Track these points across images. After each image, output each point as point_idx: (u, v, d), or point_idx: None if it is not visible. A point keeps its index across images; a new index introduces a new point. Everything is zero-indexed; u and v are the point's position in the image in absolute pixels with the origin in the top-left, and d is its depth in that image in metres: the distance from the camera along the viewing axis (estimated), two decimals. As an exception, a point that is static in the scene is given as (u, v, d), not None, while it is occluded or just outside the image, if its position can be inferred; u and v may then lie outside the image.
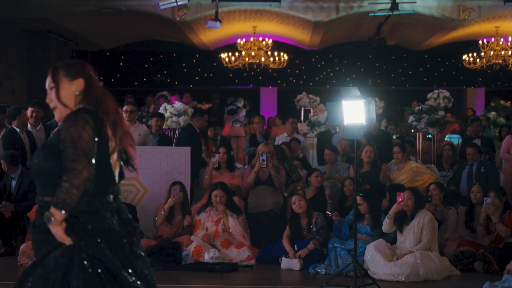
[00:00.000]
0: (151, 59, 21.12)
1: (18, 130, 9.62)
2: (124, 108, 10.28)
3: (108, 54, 21.02)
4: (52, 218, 3.27)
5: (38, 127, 9.95)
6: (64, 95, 3.54)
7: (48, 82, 3.55)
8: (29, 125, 9.99)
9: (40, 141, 9.66)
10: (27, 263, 8.06)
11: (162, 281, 7.64)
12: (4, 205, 8.77)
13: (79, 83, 3.56)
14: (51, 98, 3.54)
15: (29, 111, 9.99)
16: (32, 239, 3.53)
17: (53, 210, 3.28)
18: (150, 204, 9.12)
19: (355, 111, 7.21)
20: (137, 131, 9.89)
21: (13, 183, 8.99)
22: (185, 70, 21.14)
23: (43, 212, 3.33)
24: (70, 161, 3.30)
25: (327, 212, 8.56)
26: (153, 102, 16.16)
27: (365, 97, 7.33)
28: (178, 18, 15.57)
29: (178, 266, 8.13)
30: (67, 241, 3.29)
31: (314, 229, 8.39)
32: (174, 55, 21.14)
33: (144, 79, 21.05)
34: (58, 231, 3.29)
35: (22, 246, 8.26)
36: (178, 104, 11.31)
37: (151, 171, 9.21)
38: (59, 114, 3.53)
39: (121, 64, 21.17)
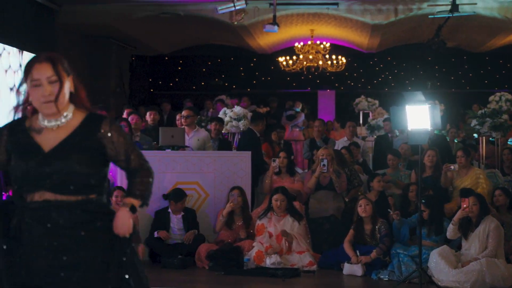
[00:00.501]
0: (209, 63, 21.25)
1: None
2: (182, 113, 10.38)
3: (166, 58, 21.21)
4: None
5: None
6: (66, 92, 3.35)
7: (49, 74, 3.25)
8: None
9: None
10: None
11: (224, 286, 7.67)
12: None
13: (70, 81, 3.39)
14: (51, 92, 3.25)
15: None
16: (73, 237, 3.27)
17: (136, 201, 3.40)
18: (211, 208, 9.15)
19: (419, 116, 7.10)
20: (196, 136, 9.95)
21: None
22: (242, 74, 21.22)
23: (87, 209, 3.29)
24: (144, 160, 3.47)
25: (388, 210, 8.47)
26: (212, 106, 16.24)
27: (427, 101, 7.22)
28: (236, 22, 15.58)
29: (240, 271, 8.14)
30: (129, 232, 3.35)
31: (378, 235, 8.30)
32: (232, 59, 21.23)
33: (202, 83, 21.19)
34: (131, 222, 3.34)
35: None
36: (237, 109, 11.35)
37: (212, 175, 9.23)
38: (48, 111, 3.28)
39: (179, 68, 21.36)
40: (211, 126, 10.90)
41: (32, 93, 3.25)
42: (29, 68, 3.27)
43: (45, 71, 3.25)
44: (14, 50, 12.87)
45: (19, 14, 12.80)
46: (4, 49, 12.42)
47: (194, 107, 12.66)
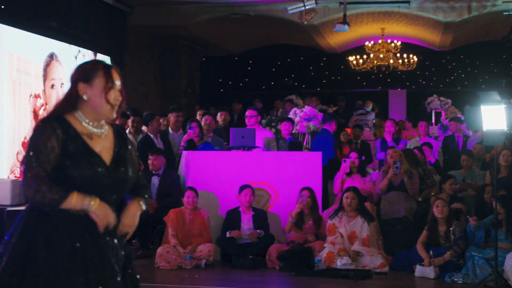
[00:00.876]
0: (279, 63, 21.26)
1: (152, 136, 9.91)
2: (245, 113, 10.44)
3: (236, 59, 21.32)
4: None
5: (179, 132, 10.20)
6: None
7: (120, 82, 3.35)
8: (170, 130, 10.29)
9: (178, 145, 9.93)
10: (164, 266, 8.28)
11: (295, 287, 7.67)
12: (150, 203, 9.05)
13: None
14: (122, 97, 3.34)
15: (172, 116, 10.31)
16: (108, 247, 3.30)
17: (143, 204, 3.44)
18: (281, 209, 9.15)
19: (495, 116, 6.95)
20: (260, 136, 10.00)
21: (155, 180, 9.23)
22: (312, 74, 21.16)
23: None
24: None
25: (467, 216, 8.30)
26: (281, 106, 16.24)
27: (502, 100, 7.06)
28: (305, 22, 15.55)
29: (311, 272, 8.11)
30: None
31: (452, 237, 8.15)
32: (301, 58, 21.19)
33: (272, 83, 21.22)
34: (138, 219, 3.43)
35: (159, 249, 8.46)
36: (308, 109, 11.32)
37: (282, 176, 9.23)
38: (110, 116, 3.32)
39: (249, 68, 21.45)
40: (282, 126, 10.90)
41: (106, 94, 3.26)
42: (109, 71, 3.30)
43: (119, 79, 3.33)
44: (89, 52, 13.16)
45: (92, 17, 13.07)
46: (79, 51, 12.71)
47: (256, 107, 12.69)
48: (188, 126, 9.92)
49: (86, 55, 12.97)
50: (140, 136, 10.10)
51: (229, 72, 21.56)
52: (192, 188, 8.70)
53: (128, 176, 3.35)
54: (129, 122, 10.20)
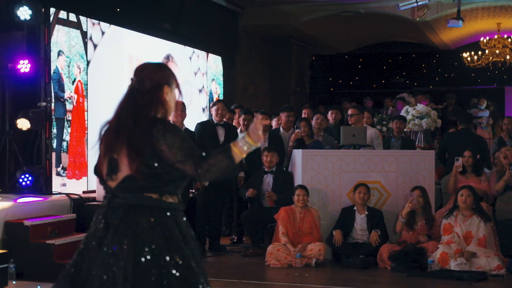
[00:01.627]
0: (390, 61, 20.99)
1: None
2: (348, 112, 10.34)
3: (346, 57, 21.20)
4: None
5: (290, 131, 10.21)
6: None
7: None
8: (281, 129, 10.32)
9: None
10: (274, 264, 8.32)
11: (407, 287, 7.52)
12: (269, 195, 9.13)
13: None
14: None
15: (284, 115, 10.35)
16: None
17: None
18: (393, 208, 9.01)
19: None
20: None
21: (269, 178, 9.29)
22: (424, 71, 20.75)
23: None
24: None
25: None
26: (391, 105, 16.01)
27: None
28: (418, 18, 15.30)
29: (423, 273, 7.94)
30: None
31: None
32: (413, 56, 20.83)
33: (383, 81, 20.96)
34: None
35: (270, 247, 8.50)
36: (420, 107, 11.11)
37: (394, 174, 9.09)
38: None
39: (359, 66, 21.28)
40: (393, 124, 10.74)
41: (175, 102, 3.51)
42: (175, 78, 3.48)
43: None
44: (203, 53, 13.40)
45: (204, 18, 13.29)
46: (193, 52, 12.97)
47: (359, 105, 12.53)
48: (296, 126, 9.91)
49: (200, 56, 13.22)
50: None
51: (339, 70, 21.46)
52: (302, 187, 8.69)
53: None
54: (241, 120, 10.29)
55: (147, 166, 3.26)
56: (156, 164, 3.26)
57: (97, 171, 3.43)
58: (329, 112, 11.40)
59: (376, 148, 9.80)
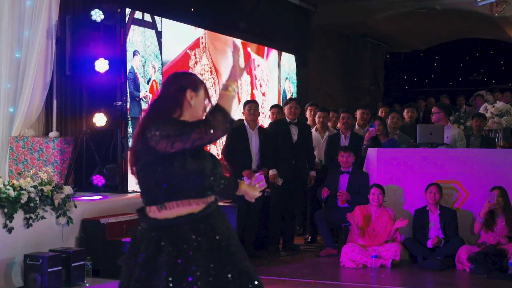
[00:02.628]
0: (467, 58, 20.55)
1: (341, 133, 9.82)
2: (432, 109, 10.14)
3: (422, 54, 20.85)
4: None
5: (365, 129, 10.06)
6: None
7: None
8: (356, 126, 10.20)
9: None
10: (349, 264, 8.19)
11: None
12: (341, 194, 9.02)
13: None
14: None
15: (358, 112, 10.23)
16: None
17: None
18: (472, 208, 8.77)
19: None
20: (447, 133, 9.66)
21: (344, 178, 9.18)
22: (503, 68, 20.22)
23: None
24: None
25: None
26: (465, 103, 15.68)
27: None
28: (496, 14, 14.90)
29: (504, 275, 7.69)
30: None
31: None
32: (491, 52, 20.34)
33: (459, 79, 20.53)
34: None
35: (344, 247, 8.39)
36: (499, 104, 10.80)
37: (473, 174, 8.84)
38: None
39: (435, 64, 20.90)
40: (473, 122, 10.47)
41: (204, 105, 3.53)
42: (206, 88, 3.56)
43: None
44: (274, 52, 13.37)
45: (278, 17, 13.26)
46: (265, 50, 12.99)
47: (442, 103, 12.28)
48: (369, 124, 9.75)
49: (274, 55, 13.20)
50: (327, 133, 10.08)
51: (414, 68, 21.12)
52: (378, 185, 8.55)
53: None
54: (316, 118, 10.20)
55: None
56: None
57: None
58: (405, 111, 11.20)
59: (460, 147, 9.55)
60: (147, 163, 3.33)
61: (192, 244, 3.26)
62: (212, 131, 3.25)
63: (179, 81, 3.49)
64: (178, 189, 3.33)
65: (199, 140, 3.25)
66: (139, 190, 3.51)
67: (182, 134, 3.24)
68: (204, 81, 3.68)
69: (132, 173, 3.46)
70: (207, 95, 3.54)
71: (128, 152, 3.45)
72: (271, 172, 9.08)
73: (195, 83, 3.50)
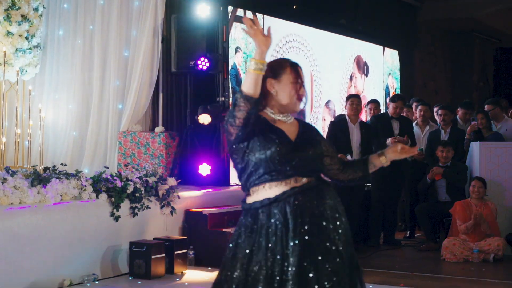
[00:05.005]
0: None
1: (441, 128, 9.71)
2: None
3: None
4: None
5: (467, 123, 9.91)
6: None
7: (302, 78, 3.46)
8: (460, 121, 10.07)
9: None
10: (450, 258, 8.11)
11: None
12: (436, 169, 8.96)
13: None
14: (304, 92, 3.46)
15: (461, 111, 10.10)
16: None
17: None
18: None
19: None
20: (504, 126, 9.55)
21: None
22: None
23: None
24: None
25: None
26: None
27: None
28: None
29: None
30: None
31: None
32: None
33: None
34: None
35: (445, 241, 8.30)
36: None
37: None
38: (295, 108, 3.45)
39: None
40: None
41: (292, 88, 3.40)
42: (295, 67, 3.44)
43: (303, 75, 3.48)
44: (380, 48, 13.33)
45: (381, 13, 13.22)
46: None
47: (495, 99, 11.81)
48: (472, 118, 9.58)
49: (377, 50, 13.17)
50: (427, 128, 10.00)
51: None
52: (479, 178, 8.41)
53: (317, 155, 3.40)
54: (417, 111, 10.13)
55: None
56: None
57: None
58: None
59: None
60: (230, 152, 3.40)
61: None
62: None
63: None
64: (253, 175, 3.33)
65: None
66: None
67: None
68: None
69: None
70: (294, 76, 3.42)
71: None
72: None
73: (274, 70, 3.38)
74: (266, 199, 3.28)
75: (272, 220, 3.25)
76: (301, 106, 3.46)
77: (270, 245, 3.21)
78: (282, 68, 3.41)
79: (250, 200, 3.34)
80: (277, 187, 3.28)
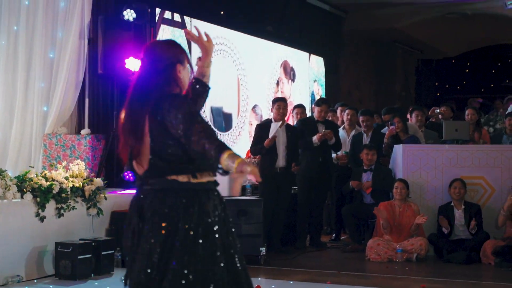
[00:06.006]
0: (499, 64, 20.44)
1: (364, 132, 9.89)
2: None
3: (453, 61, 20.81)
4: None
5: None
6: None
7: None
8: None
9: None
10: (374, 258, 8.28)
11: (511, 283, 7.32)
12: (366, 184, 9.13)
13: None
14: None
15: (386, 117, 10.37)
16: None
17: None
18: (498, 204, 8.77)
19: None
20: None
21: (367, 175, 9.26)
22: (537, 73, 20.13)
23: None
24: None
25: None
26: (502, 106, 15.58)
27: None
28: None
29: (529, 269, 7.72)
30: None
31: None
32: (526, 58, 20.25)
33: (492, 85, 20.43)
34: None
35: (370, 241, 8.47)
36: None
37: (499, 170, 8.87)
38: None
39: (467, 71, 20.84)
40: (506, 121, 10.44)
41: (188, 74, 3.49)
42: (185, 54, 3.47)
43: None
44: (305, 54, 13.53)
45: (307, 22, 13.45)
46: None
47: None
48: (389, 122, 9.80)
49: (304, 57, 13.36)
50: (353, 132, 10.18)
51: (446, 75, 21.09)
52: (402, 180, 8.63)
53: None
54: (344, 115, 10.31)
55: (161, 145, 3.22)
56: (170, 142, 3.20)
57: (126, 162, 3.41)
58: (443, 108, 11.25)
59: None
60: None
61: None
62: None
63: (168, 55, 3.39)
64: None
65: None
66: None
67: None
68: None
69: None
70: (189, 63, 3.46)
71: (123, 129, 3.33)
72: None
73: (181, 55, 3.42)
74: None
75: None
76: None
77: None
78: (183, 54, 3.46)
79: None
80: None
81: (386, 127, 9.88)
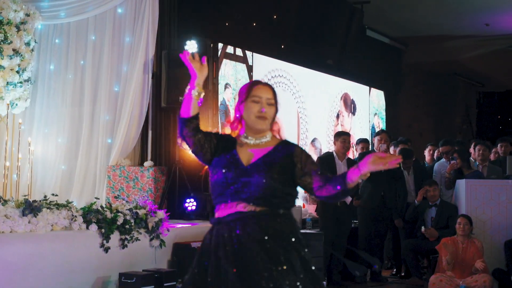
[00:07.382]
0: None
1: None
2: None
3: (516, 94, 20.49)
4: None
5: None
6: (275, 117, 3.59)
7: (269, 96, 3.52)
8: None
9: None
10: (437, 294, 8.17)
11: None
12: (429, 232, 8.99)
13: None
14: (268, 113, 3.51)
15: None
16: None
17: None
18: None
19: None
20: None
21: (432, 211, 9.15)
22: None
23: None
24: None
25: None
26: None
27: None
28: None
29: None
30: None
31: None
32: None
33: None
34: None
35: (432, 277, 8.35)
36: None
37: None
38: (259, 127, 3.52)
39: (530, 104, 20.48)
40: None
41: (250, 108, 3.50)
42: (251, 87, 3.54)
43: (266, 93, 3.53)
44: (365, 88, 13.52)
45: (367, 55, 13.45)
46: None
47: None
48: (451, 157, 9.69)
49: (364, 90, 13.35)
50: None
51: (509, 108, 20.74)
52: (465, 216, 8.50)
53: (268, 181, 3.37)
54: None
55: None
56: None
57: None
58: (498, 145, 11.07)
59: None
60: None
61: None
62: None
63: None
64: (213, 194, 3.48)
65: None
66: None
67: None
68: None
69: None
70: (253, 94, 3.53)
71: None
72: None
73: (241, 95, 3.58)
74: (216, 218, 3.41)
75: (214, 241, 3.36)
76: (263, 125, 3.51)
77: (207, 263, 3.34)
78: (249, 88, 3.55)
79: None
80: (224, 209, 3.38)
81: (443, 159, 9.79)
